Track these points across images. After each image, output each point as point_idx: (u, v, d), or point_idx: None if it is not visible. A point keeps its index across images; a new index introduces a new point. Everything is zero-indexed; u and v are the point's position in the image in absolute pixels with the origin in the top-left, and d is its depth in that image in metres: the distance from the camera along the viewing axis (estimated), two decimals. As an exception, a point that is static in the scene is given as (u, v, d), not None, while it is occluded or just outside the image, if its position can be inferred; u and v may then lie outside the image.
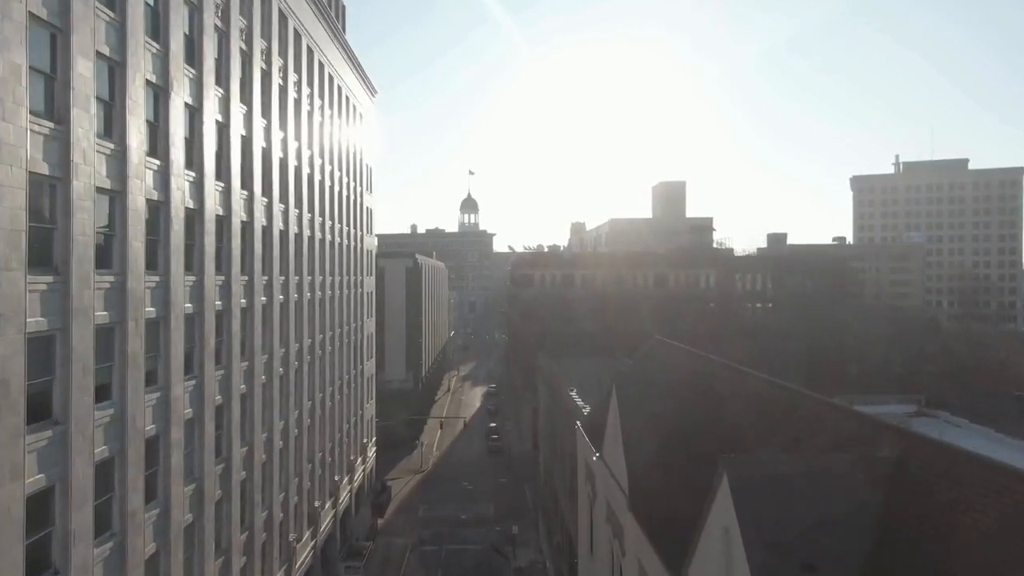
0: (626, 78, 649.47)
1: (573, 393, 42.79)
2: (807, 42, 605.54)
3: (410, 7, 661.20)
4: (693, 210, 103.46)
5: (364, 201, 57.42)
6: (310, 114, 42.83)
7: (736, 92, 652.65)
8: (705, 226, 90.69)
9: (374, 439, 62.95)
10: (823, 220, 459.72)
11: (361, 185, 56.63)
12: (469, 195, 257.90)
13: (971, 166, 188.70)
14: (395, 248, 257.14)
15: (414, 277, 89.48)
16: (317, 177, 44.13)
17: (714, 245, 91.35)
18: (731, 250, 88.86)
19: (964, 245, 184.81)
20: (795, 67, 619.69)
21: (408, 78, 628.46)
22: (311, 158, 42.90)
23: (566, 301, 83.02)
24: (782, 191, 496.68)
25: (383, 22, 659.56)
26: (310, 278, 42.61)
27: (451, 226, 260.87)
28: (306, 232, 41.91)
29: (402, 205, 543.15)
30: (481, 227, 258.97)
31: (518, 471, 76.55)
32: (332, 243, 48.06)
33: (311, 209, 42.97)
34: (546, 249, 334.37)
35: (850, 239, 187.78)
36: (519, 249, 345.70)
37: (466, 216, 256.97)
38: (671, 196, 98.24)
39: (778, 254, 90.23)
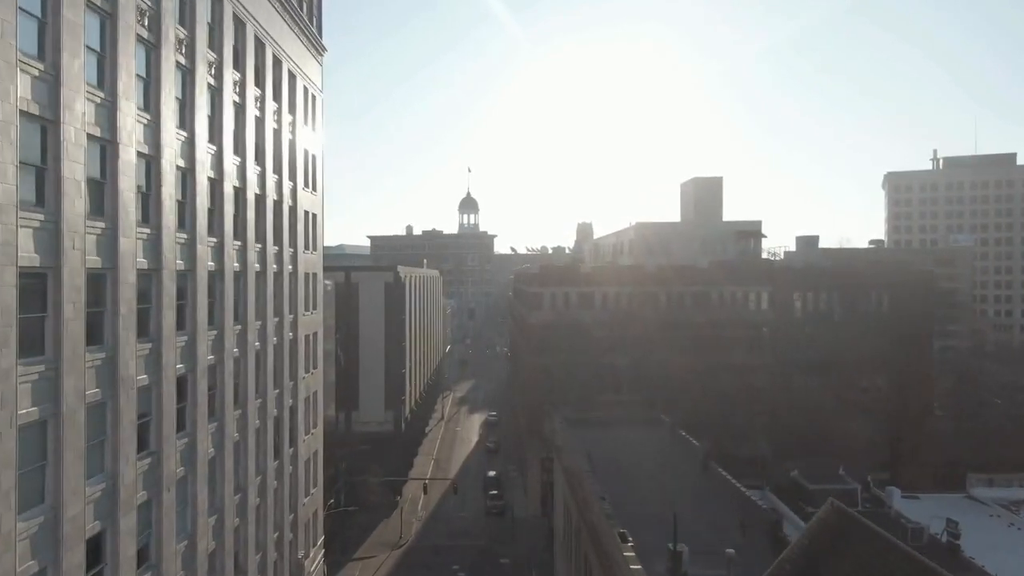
0: (628, 77, 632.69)
1: (628, 548, 25.78)
2: (810, 40, 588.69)
3: (409, 7, 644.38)
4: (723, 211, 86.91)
5: (301, 204, 40.60)
6: (185, 75, 26.05)
7: (739, 91, 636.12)
8: (753, 231, 73.84)
9: (321, 539, 46.13)
10: (830, 221, 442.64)
11: (297, 182, 39.83)
12: (468, 194, 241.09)
13: (1020, 161, 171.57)
14: (389, 251, 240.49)
15: (395, 295, 72.77)
16: (203, 175, 27.34)
17: (764, 255, 74.49)
18: (772, 262, 71.87)
19: (1012, 249, 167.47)
20: (798, 65, 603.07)
21: (408, 78, 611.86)
22: (187, 147, 26.15)
23: (584, 329, 66.19)
24: (787, 192, 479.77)
25: (379, 23, 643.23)
26: (184, 340, 25.80)
27: (450, 227, 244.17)
28: (186, 264, 25.26)
29: (400, 207, 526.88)
30: (481, 228, 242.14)
31: (524, 542, 59.88)
32: (241, 274, 31.25)
33: (191, 229, 26.23)
34: (550, 251, 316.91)
35: (851, 242, 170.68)
36: (521, 251, 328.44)
37: (465, 217, 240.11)
38: (705, 195, 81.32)
39: (846, 266, 73.27)
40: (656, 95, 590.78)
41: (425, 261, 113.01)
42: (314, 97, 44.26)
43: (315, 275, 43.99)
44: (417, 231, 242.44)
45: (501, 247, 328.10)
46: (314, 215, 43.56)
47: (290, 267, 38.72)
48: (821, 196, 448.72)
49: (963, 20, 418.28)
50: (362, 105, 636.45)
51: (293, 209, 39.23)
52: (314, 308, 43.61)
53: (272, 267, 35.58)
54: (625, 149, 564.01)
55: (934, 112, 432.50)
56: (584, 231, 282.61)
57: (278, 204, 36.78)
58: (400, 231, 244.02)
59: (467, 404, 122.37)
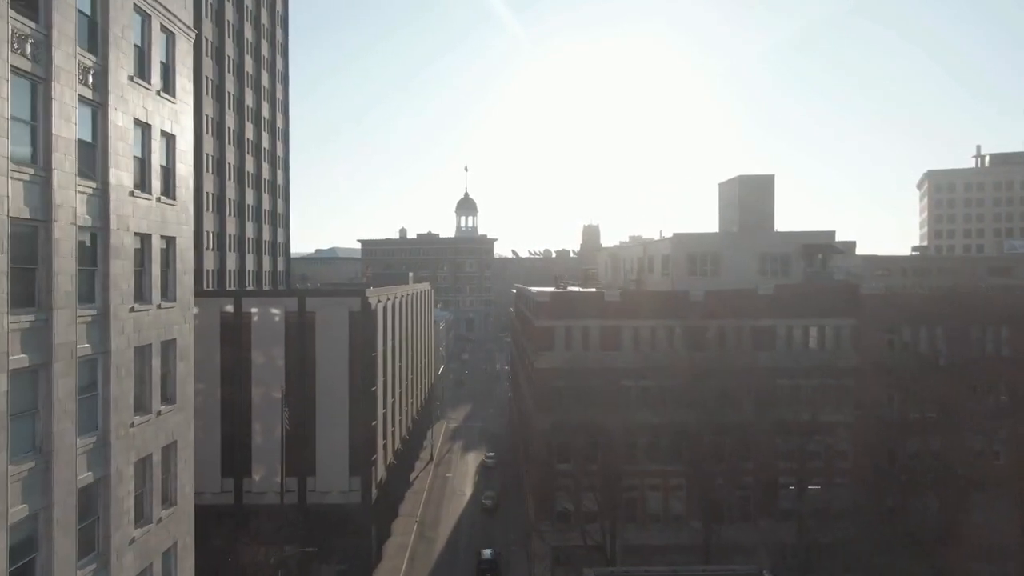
0: (630, 76, 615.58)
1: None
2: (813, 39, 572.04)
3: (408, 8, 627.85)
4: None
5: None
6: None
7: (742, 90, 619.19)
8: (824, 245, 57.35)
9: None
10: (830, 222, 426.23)
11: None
12: (466, 195, 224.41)
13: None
14: (381, 256, 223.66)
15: (363, 326, 56.36)
16: None
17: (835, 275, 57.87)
18: (856, 286, 55.70)
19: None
20: (800, 65, 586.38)
21: (408, 80, 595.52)
22: None
23: (610, 376, 49.94)
24: (788, 192, 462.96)
25: (377, 24, 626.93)
26: None
27: (448, 232, 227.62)
28: None
29: (397, 210, 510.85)
30: (481, 231, 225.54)
31: None
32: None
33: None
34: (554, 254, 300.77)
35: (863, 249, 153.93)
36: (523, 255, 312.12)
37: (463, 219, 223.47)
38: (752, 198, 65.08)
39: (948, 292, 56.85)
40: (659, 94, 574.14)
41: (411, 275, 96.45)
42: (172, 36, 27.87)
43: (171, 239, 27.75)
44: (411, 234, 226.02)
45: (502, 250, 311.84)
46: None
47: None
48: (823, 197, 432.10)
49: (964, 18, 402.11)
50: (360, 107, 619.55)
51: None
52: (164, 298, 27.26)
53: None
54: (628, 149, 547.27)
55: (933, 112, 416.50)
56: (591, 234, 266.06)
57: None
58: (394, 235, 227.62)
59: (461, 438, 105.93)
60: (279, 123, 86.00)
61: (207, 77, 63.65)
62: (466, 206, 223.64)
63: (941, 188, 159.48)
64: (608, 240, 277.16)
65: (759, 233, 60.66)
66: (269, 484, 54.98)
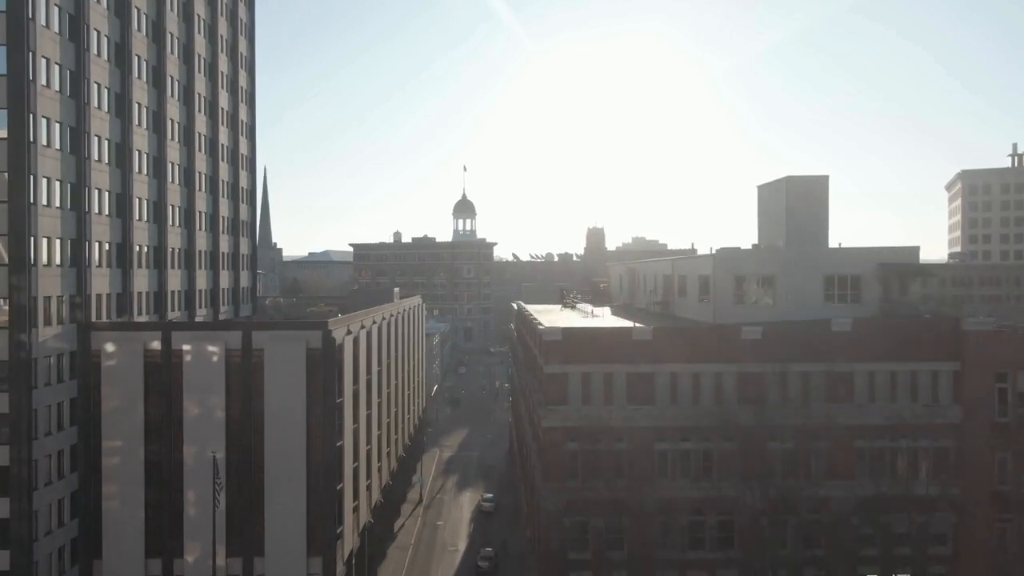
0: (631, 76, 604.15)
1: None
2: (814, 39, 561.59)
3: (407, 9, 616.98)
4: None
5: None
6: None
7: (744, 89, 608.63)
8: (908, 265, 45.56)
9: None
10: (841, 226, 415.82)
11: None
12: (464, 196, 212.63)
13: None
14: (374, 261, 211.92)
15: (326, 365, 44.67)
16: None
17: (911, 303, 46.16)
18: (957, 319, 43.86)
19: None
20: (802, 64, 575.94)
21: (408, 80, 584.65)
22: None
23: (642, 438, 38.58)
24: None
25: (375, 26, 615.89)
26: None
27: (445, 235, 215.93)
28: None
29: (395, 213, 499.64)
30: (479, 235, 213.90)
31: None
32: None
33: None
34: (556, 258, 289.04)
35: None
36: (524, 258, 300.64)
37: (461, 222, 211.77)
38: (803, 204, 53.53)
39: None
40: (659, 94, 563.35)
41: (397, 290, 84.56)
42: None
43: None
44: (406, 238, 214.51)
45: (501, 253, 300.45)
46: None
47: None
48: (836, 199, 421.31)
49: (964, 17, 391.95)
50: (358, 108, 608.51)
51: None
52: None
53: None
54: (630, 149, 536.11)
55: (934, 112, 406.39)
56: (595, 237, 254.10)
57: None
58: (389, 239, 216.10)
59: (456, 471, 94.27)
60: (243, 116, 74.41)
61: (137, 56, 52.06)
62: (464, 208, 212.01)
63: (975, 190, 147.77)
64: (611, 242, 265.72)
65: (824, 250, 49.13)
66: (206, 567, 43.43)
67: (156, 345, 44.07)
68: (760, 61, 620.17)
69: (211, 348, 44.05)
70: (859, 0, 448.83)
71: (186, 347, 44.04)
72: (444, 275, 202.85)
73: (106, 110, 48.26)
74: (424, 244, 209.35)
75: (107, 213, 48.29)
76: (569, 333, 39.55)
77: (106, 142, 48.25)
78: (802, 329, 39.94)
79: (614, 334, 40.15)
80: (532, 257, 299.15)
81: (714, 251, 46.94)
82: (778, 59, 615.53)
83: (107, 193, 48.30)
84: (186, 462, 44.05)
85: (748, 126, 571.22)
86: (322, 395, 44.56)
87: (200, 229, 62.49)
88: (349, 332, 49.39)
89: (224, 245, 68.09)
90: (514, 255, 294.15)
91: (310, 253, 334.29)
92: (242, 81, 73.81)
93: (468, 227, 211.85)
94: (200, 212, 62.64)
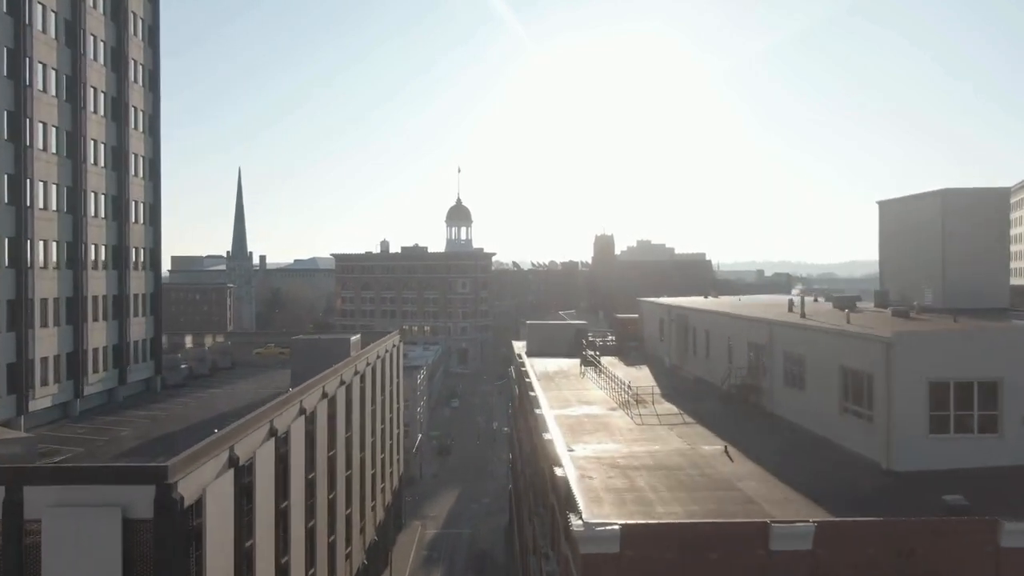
0: (631, 76, 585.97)
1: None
2: (814, 39, 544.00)
3: (406, 9, 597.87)
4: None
5: None
6: None
7: (744, 89, 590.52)
8: None
9: None
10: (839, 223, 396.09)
11: None
12: (459, 202, 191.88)
13: None
14: (359, 273, 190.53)
15: (167, 545, 23.70)
16: None
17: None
18: None
19: None
20: (802, 64, 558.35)
21: (408, 82, 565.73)
22: None
23: None
24: (791, 193, 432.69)
25: (373, 28, 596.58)
26: None
27: (437, 245, 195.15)
28: None
29: (391, 220, 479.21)
30: (476, 244, 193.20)
31: None
32: None
33: None
34: (560, 266, 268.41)
35: None
36: (525, 267, 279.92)
37: (454, 230, 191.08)
38: (968, 229, 33.02)
39: None
40: (661, 94, 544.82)
41: (356, 338, 63.26)
42: None
43: None
44: (395, 248, 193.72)
45: (500, 259, 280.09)
46: None
47: None
48: (824, 197, 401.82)
49: (964, 18, 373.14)
50: (354, 112, 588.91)
51: None
52: None
53: None
54: (631, 151, 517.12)
55: (935, 111, 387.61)
56: (603, 244, 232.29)
57: None
58: (376, 248, 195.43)
59: (442, 558, 73.67)
60: (142, 104, 53.74)
61: None
62: (459, 214, 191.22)
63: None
64: (616, 246, 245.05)
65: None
66: None
67: None
68: (760, 61, 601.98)
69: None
70: (859, 1, 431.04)
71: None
72: (436, 289, 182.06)
73: None
74: (414, 254, 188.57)
75: None
76: (634, 535, 18.63)
77: None
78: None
79: (727, 535, 19.18)
80: (534, 265, 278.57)
81: (883, 331, 25.98)
82: (778, 59, 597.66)
83: None
84: None
85: (749, 126, 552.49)
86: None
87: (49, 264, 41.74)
88: (232, 463, 28.53)
89: (102, 285, 47.41)
90: (514, 264, 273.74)
91: (296, 260, 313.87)
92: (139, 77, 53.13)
93: (463, 235, 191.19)
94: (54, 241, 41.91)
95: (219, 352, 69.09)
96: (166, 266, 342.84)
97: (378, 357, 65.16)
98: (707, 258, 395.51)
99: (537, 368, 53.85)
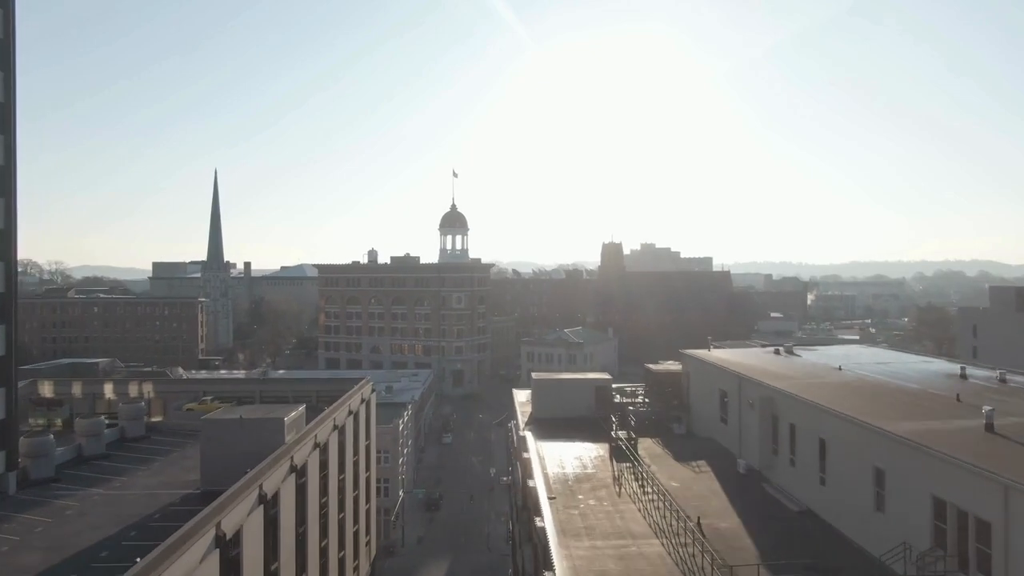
0: (631, 76, 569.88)
1: None
2: (815, 38, 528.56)
3: (405, 10, 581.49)
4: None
5: None
6: None
7: (746, 90, 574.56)
8: None
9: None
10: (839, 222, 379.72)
11: None
12: (453, 207, 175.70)
13: None
14: (344, 287, 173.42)
15: None
16: None
17: None
18: None
19: None
20: (803, 64, 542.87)
21: (407, 83, 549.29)
22: None
23: None
24: (792, 193, 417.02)
25: (370, 31, 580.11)
26: None
27: (431, 255, 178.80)
28: None
29: (388, 229, 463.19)
30: (472, 254, 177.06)
31: None
32: None
33: None
34: (563, 274, 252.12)
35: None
36: (525, 273, 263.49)
37: (449, 238, 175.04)
38: None
39: None
40: (661, 94, 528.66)
41: (301, 408, 47.22)
42: None
43: None
44: (384, 258, 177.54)
45: (499, 265, 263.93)
46: None
47: None
48: (825, 198, 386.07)
49: (965, 17, 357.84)
50: (349, 116, 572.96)
51: None
52: None
53: None
54: (633, 151, 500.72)
55: (935, 112, 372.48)
56: (611, 252, 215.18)
57: None
58: (363, 258, 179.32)
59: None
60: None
61: None
62: (453, 221, 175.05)
63: None
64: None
65: None
66: None
67: None
68: (761, 62, 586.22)
69: None
70: (859, 2, 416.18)
71: None
72: (429, 304, 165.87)
73: None
74: (404, 265, 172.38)
75: None
76: None
77: None
78: None
79: None
80: (536, 273, 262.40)
81: None
82: (778, 59, 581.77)
83: None
84: None
85: (750, 126, 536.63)
86: None
87: None
88: None
89: None
90: (514, 271, 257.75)
91: (282, 267, 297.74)
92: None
93: (459, 244, 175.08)
94: None
95: (130, 415, 52.62)
96: (147, 273, 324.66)
97: (335, 428, 49.09)
98: (715, 262, 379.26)
99: (548, 464, 37.82)
